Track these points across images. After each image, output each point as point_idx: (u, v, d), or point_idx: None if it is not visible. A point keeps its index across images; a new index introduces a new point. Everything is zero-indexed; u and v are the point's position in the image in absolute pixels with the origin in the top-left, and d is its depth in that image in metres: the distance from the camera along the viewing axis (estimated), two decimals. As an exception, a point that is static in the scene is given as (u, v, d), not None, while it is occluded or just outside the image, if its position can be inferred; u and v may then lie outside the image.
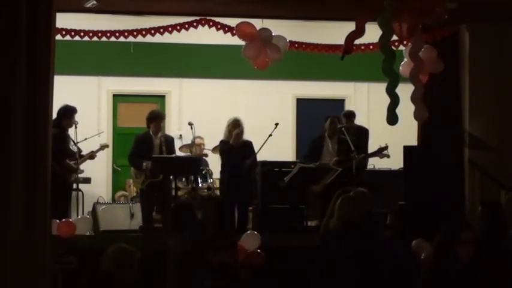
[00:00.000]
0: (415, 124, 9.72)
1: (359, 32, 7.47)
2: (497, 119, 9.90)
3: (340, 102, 13.33)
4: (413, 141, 10.28)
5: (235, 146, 9.65)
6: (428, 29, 8.70)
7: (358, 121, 10.97)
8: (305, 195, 9.49)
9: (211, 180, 10.92)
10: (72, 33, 9.18)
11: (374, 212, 6.87)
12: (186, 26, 9.27)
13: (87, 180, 10.79)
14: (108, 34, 9.29)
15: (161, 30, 9.31)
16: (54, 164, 8.53)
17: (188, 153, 11.12)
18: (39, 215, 5.87)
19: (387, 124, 7.65)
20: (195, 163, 10.27)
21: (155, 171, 9.50)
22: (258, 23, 9.10)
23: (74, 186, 9.76)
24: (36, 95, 5.90)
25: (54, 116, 8.48)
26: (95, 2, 8.82)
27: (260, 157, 9.85)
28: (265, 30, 8.88)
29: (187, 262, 6.54)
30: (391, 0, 7.21)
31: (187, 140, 11.44)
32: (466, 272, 4.98)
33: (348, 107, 13.09)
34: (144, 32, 9.33)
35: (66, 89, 10.43)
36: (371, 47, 9.46)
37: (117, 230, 9.78)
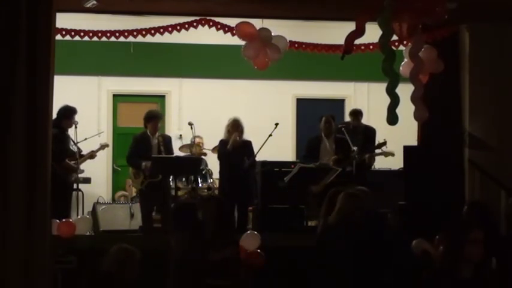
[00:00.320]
0: (415, 124, 9.72)
1: (359, 32, 7.47)
2: (497, 119, 9.90)
3: (340, 102, 13.34)
4: (413, 141, 10.28)
5: (235, 147, 9.65)
6: (428, 29, 8.70)
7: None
8: (305, 195, 9.49)
9: (211, 180, 10.93)
10: (72, 33, 9.18)
11: (377, 212, 6.85)
12: (186, 26, 9.27)
13: (87, 180, 10.79)
14: (108, 34, 9.29)
15: (161, 30, 9.31)
16: (54, 164, 8.56)
17: (188, 153, 11.12)
18: (39, 215, 5.87)
19: (387, 124, 7.66)
20: (195, 163, 10.27)
21: (155, 171, 9.50)
22: (258, 23, 9.10)
23: (74, 186, 9.77)
24: (36, 95, 5.90)
25: (54, 116, 8.50)
26: (95, 2, 8.82)
27: (260, 157, 9.85)
28: (264, 30, 8.88)
29: (187, 262, 6.55)
30: (391, 0, 7.21)
31: (187, 140, 11.44)
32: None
33: (348, 107, 13.10)
34: (144, 32, 9.33)
35: (66, 89, 10.44)
36: (371, 47, 9.46)
37: (117, 230, 9.78)
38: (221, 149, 9.83)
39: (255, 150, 9.73)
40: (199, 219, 6.89)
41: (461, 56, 10.00)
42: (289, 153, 12.86)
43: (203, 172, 10.87)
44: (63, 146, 9.50)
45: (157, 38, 9.51)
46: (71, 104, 9.77)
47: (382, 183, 9.71)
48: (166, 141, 9.91)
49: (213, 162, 11.10)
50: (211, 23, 9.23)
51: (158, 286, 6.81)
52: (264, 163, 9.94)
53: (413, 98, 7.59)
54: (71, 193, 9.74)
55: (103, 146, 10.50)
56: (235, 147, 9.65)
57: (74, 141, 9.74)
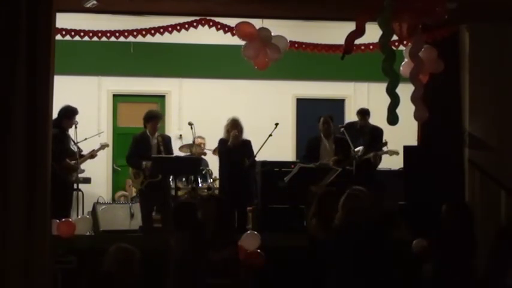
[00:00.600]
0: (415, 124, 9.72)
1: (359, 32, 7.47)
2: (497, 119, 9.90)
3: (340, 102, 13.33)
4: (413, 141, 10.28)
5: (233, 147, 9.65)
6: (428, 29, 8.70)
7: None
8: (305, 195, 9.48)
9: (211, 180, 10.92)
10: (72, 33, 9.18)
11: (383, 211, 6.86)
12: (186, 26, 9.27)
13: (87, 180, 10.79)
14: (108, 34, 9.29)
15: (161, 30, 9.31)
16: (54, 164, 8.57)
17: (188, 153, 11.12)
18: (39, 215, 5.87)
19: (387, 124, 7.66)
20: (195, 163, 10.27)
21: (155, 171, 9.50)
22: (258, 23, 9.10)
23: (74, 186, 9.77)
24: (36, 95, 5.91)
25: (55, 116, 8.51)
26: (95, 2, 8.82)
27: (260, 157, 9.85)
28: (264, 30, 8.88)
29: (187, 261, 6.55)
30: (391, 0, 7.21)
31: (187, 140, 11.44)
32: None
33: (348, 107, 13.11)
34: (144, 32, 9.34)
35: (66, 89, 10.43)
36: (371, 47, 9.46)
37: (117, 230, 9.78)
38: (221, 148, 9.82)
39: (255, 150, 9.73)
40: (199, 219, 6.89)
41: (461, 56, 9.99)
42: (289, 153, 12.85)
43: (203, 172, 10.87)
44: (63, 146, 9.50)
45: (157, 38, 9.51)
46: (71, 104, 9.77)
47: (382, 183, 9.73)
48: (166, 141, 9.91)
49: (213, 162, 11.11)
50: (211, 23, 9.23)
51: (158, 286, 6.82)
52: (264, 163, 9.94)
53: (414, 98, 7.60)
54: (71, 193, 9.73)
55: (103, 146, 10.49)
56: (235, 145, 9.64)
57: (74, 141, 9.74)
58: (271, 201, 9.67)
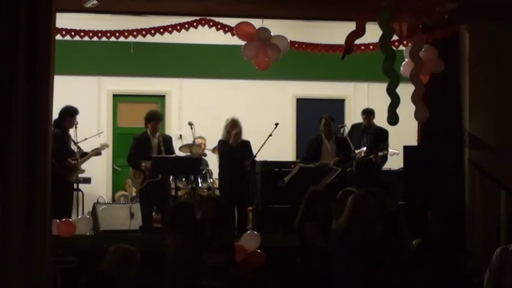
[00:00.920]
0: (415, 124, 9.72)
1: (359, 32, 7.47)
2: (497, 119, 9.90)
3: (340, 102, 13.32)
4: (413, 141, 10.28)
5: (235, 146, 9.65)
6: (428, 29, 8.71)
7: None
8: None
9: (211, 180, 10.92)
10: (72, 33, 9.19)
11: (388, 214, 6.87)
12: (186, 26, 9.27)
13: (87, 180, 10.78)
14: (108, 34, 9.30)
15: (161, 30, 9.31)
16: (55, 164, 8.58)
17: (188, 153, 11.12)
18: (39, 215, 5.86)
19: (387, 124, 7.66)
20: (195, 163, 10.27)
21: (155, 171, 9.50)
22: (258, 23, 9.11)
23: (74, 186, 9.77)
24: (36, 95, 5.90)
25: (55, 116, 8.51)
26: (95, 2, 8.81)
27: (260, 157, 9.85)
28: (263, 30, 8.88)
29: (182, 262, 6.56)
30: (391, 0, 7.21)
31: (187, 140, 11.44)
32: None
33: (348, 107, 13.11)
34: (144, 32, 9.34)
35: (66, 89, 10.44)
36: (371, 47, 9.46)
37: (117, 230, 9.79)
38: (222, 148, 9.81)
39: (255, 150, 9.73)
40: (197, 220, 6.90)
41: (461, 56, 9.99)
42: (289, 153, 12.85)
43: (203, 172, 10.87)
44: (64, 145, 9.52)
45: (157, 38, 9.52)
46: (71, 104, 9.78)
47: (382, 183, 9.73)
48: (167, 141, 9.92)
49: (213, 162, 11.10)
50: (211, 23, 9.24)
51: (158, 286, 6.82)
52: (264, 163, 9.94)
53: (414, 98, 7.60)
54: (71, 193, 9.74)
55: (103, 146, 10.50)
56: (236, 144, 9.64)
57: (74, 142, 9.75)
58: (271, 201, 9.67)
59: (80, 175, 9.87)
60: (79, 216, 9.65)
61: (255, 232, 8.26)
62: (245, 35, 8.86)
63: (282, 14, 9.93)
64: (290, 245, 8.47)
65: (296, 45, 9.72)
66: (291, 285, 7.38)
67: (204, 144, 11.48)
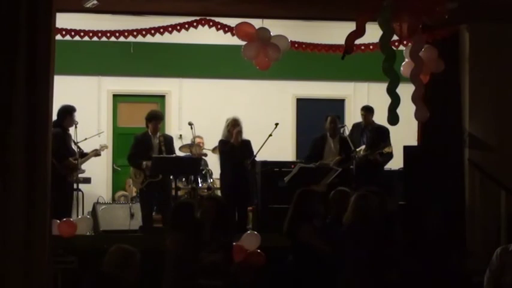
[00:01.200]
0: (415, 124, 9.73)
1: (359, 32, 7.47)
2: (497, 119, 9.90)
3: (340, 102, 13.32)
4: (413, 141, 10.28)
5: (236, 146, 9.64)
6: (428, 29, 8.71)
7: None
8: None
9: (211, 180, 10.92)
10: (72, 33, 9.19)
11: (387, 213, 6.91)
12: (186, 26, 9.28)
13: (87, 180, 10.78)
14: (108, 34, 9.30)
15: (161, 30, 9.32)
16: (56, 163, 8.59)
17: (188, 153, 11.12)
18: (39, 215, 5.86)
19: (388, 124, 7.67)
20: (195, 163, 10.27)
21: (155, 171, 9.51)
22: (258, 23, 9.10)
23: (74, 186, 9.78)
24: (36, 95, 5.90)
25: (54, 117, 8.51)
26: (95, 2, 8.82)
27: (260, 157, 9.85)
28: (263, 30, 8.88)
29: (182, 262, 6.56)
30: (392, 0, 7.21)
31: (187, 140, 11.44)
32: None
33: (348, 107, 13.11)
34: (144, 32, 9.34)
35: (66, 89, 10.43)
36: (371, 47, 9.47)
37: (117, 230, 9.79)
38: (223, 147, 9.79)
39: (255, 150, 9.73)
40: (197, 220, 6.90)
41: (461, 56, 10.00)
42: (289, 153, 12.85)
43: (203, 172, 10.87)
44: (64, 145, 9.53)
45: (157, 38, 9.52)
46: (72, 104, 9.78)
47: (382, 183, 9.73)
48: (168, 141, 9.93)
49: (213, 162, 11.10)
50: (211, 23, 9.24)
51: (158, 286, 6.82)
52: (264, 163, 9.94)
53: (414, 98, 7.60)
54: (71, 193, 9.75)
55: (102, 148, 10.50)
56: (238, 143, 9.63)
57: (74, 142, 9.76)
58: (271, 201, 9.66)
59: (80, 175, 9.87)
60: (79, 216, 9.65)
61: (255, 232, 8.26)
62: (245, 35, 8.86)
63: (282, 14, 9.93)
64: (290, 245, 8.48)
65: (296, 45, 9.72)
66: (291, 285, 7.39)
67: (203, 143, 11.48)
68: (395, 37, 7.63)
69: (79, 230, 8.50)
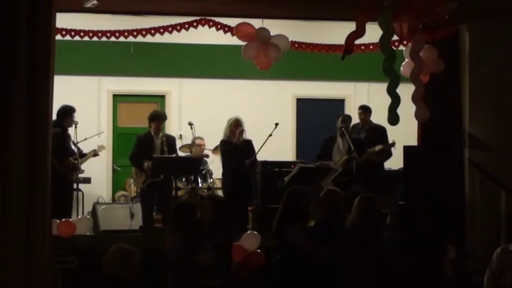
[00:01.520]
0: (415, 124, 9.73)
1: (359, 32, 7.47)
2: (497, 119, 9.90)
3: (340, 102, 13.32)
4: (413, 141, 10.28)
5: (238, 145, 9.64)
6: (428, 29, 8.70)
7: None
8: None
9: (211, 180, 10.92)
10: (72, 33, 9.20)
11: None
12: (186, 26, 9.28)
13: (87, 180, 10.79)
14: (108, 34, 9.30)
15: (161, 30, 9.32)
16: (56, 163, 8.59)
17: (188, 153, 11.12)
18: (39, 215, 5.86)
19: (387, 124, 7.66)
20: (195, 163, 10.27)
21: (155, 171, 9.51)
22: (258, 23, 9.10)
23: (74, 186, 9.78)
24: (36, 95, 5.90)
25: (54, 116, 8.51)
26: (95, 2, 8.82)
27: (260, 157, 9.85)
28: (263, 30, 8.87)
29: (182, 262, 6.56)
30: (392, 0, 7.21)
31: (188, 140, 11.44)
32: None
33: (348, 107, 13.10)
34: (144, 32, 9.34)
35: (66, 89, 10.43)
36: (371, 47, 9.47)
37: (117, 230, 9.79)
38: (225, 147, 9.78)
39: (256, 150, 9.72)
40: (198, 220, 6.90)
41: (461, 56, 10.00)
42: (289, 153, 12.85)
43: (203, 172, 10.87)
44: (64, 145, 9.54)
45: (157, 38, 9.52)
46: (72, 104, 9.79)
47: (382, 183, 9.74)
48: (170, 141, 9.94)
49: (213, 163, 11.10)
50: (211, 23, 9.24)
51: (158, 286, 6.82)
52: (264, 163, 9.93)
53: (414, 98, 7.60)
54: (71, 193, 9.75)
55: (100, 148, 10.51)
56: (239, 145, 9.63)
57: (74, 142, 9.76)
58: (271, 201, 9.65)
59: (80, 175, 9.89)
60: (79, 216, 9.65)
61: (255, 232, 8.26)
62: (245, 36, 8.86)
63: (282, 14, 9.93)
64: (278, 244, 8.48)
65: (296, 45, 9.72)
66: (290, 285, 7.38)
67: (204, 145, 11.48)
68: (395, 37, 7.63)
69: (79, 230, 8.50)
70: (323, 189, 7.52)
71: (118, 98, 12.83)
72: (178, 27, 9.27)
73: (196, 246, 6.66)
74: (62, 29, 8.93)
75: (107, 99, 12.70)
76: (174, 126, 12.59)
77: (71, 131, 9.72)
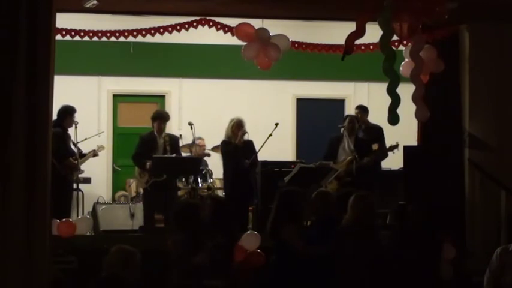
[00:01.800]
0: (415, 124, 9.73)
1: (359, 32, 7.47)
2: (497, 119, 9.90)
3: (340, 102, 13.32)
4: (413, 141, 10.28)
5: (239, 146, 9.64)
6: (428, 29, 8.71)
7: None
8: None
9: (211, 180, 10.91)
10: (72, 33, 9.20)
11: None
12: (186, 26, 9.28)
13: (87, 180, 10.79)
14: (108, 34, 9.31)
15: (161, 30, 9.32)
16: (56, 163, 8.59)
17: (188, 153, 11.12)
18: (39, 215, 5.86)
19: (387, 124, 7.66)
20: (195, 163, 10.27)
21: (155, 170, 9.51)
22: (258, 23, 9.10)
23: (74, 186, 9.78)
24: (36, 95, 5.89)
25: (54, 116, 8.52)
26: (95, 2, 8.82)
27: (260, 157, 9.85)
28: (263, 30, 8.87)
29: (183, 262, 6.56)
30: (392, 0, 7.21)
31: (188, 140, 11.44)
32: None
33: (348, 107, 13.10)
34: (144, 32, 9.34)
35: (66, 89, 10.43)
36: (371, 47, 9.47)
37: (117, 230, 9.80)
38: (226, 148, 9.78)
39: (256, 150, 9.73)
40: (200, 220, 6.90)
41: (461, 56, 10.00)
42: (289, 153, 12.85)
43: (203, 172, 10.87)
44: (64, 145, 9.54)
45: (157, 38, 9.52)
46: (72, 104, 9.79)
47: (382, 183, 9.74)
48: (173, 141, 9.94)
49: (213, 163, 11.10)
50: (211, 23, 9.24)
51: (158, 286, 6.82)
52: (264, 163, 9.93)
53: (414, 98, 7.60)
54: (71, 193, 9.75)
55: (99, 148, 10.52)
56: (239, 145, 9.63)
57: (73, 142, 9.77)
58: (271, 201, 9.63)
59: (80, 175, 9.89)
60: (79, 216, 9.65)
61: (255, 232, 8.26)
62: (245, 36, 8.86)
63: (282, 14, 9.93)
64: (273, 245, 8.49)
65: (296, 45, 9.72)
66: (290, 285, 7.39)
67: (205, 145, 11.48)
68: (395, 37, 7.63)
69: (79, 230, 8.50)
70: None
71: (118, 98, 12.83)
72: (178, 27, 9.27)
73: (196, 246, 6.66)
74: (62, 29, 8.93)
75: (107, 99, 12.70)
76: (174, 126, 12.57)
77: (71, 131, 9.73)
